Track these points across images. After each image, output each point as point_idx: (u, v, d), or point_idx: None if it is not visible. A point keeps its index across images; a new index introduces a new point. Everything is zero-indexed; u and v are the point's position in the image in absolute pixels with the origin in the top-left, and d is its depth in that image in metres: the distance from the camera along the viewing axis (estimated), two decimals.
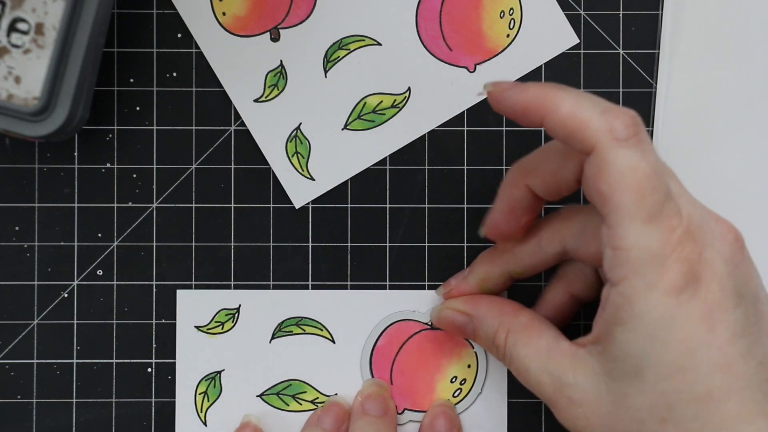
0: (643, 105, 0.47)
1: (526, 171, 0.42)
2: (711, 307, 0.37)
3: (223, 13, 0.47)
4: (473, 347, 0.47)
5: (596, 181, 0.38)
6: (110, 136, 0.47)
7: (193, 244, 0.47)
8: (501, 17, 0.47)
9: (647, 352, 0.37)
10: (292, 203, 0.47)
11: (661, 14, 0.47)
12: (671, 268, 0.37)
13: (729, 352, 0.37)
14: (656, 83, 0.47)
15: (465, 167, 0.47)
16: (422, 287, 0.47)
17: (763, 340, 0.38)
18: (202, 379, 0.47)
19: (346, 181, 0.47)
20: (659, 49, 0.47)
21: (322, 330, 0.47)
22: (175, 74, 0.47)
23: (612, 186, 0.37)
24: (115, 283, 0.47)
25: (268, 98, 0.47)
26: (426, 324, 0.47)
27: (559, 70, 0.47)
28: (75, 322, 0.47)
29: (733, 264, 0.38)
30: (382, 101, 0.47)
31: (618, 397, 0.38)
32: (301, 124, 0.47)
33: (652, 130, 0.47)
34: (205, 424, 0.47)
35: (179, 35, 0.47)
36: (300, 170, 0.47)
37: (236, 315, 0.47)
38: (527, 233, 0.44)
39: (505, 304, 0.44)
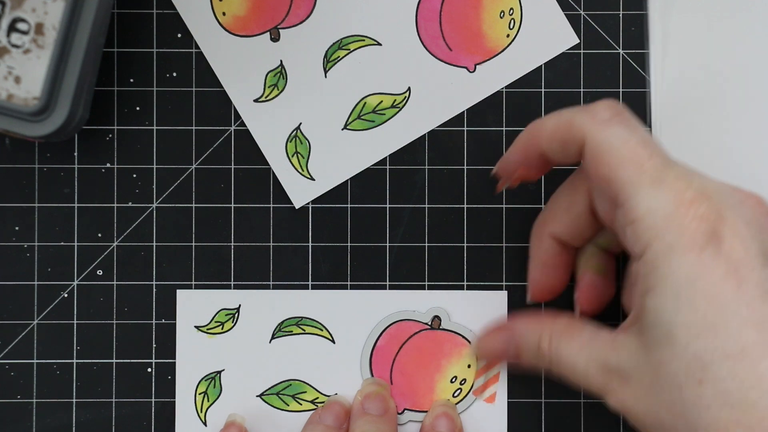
0: (644, 105, 0.47)
1: (544, 221, 0.44)
2: (736, 264, 0.36)
3: (223, 13, 0.47)
4: None
5: (597, 168, 0.39)
6: (110, 136, 0.47)
7: (193, 244, 0.47)
8: (501, 17, 0.47)
9: (675, 312, 0.36)
10: (292, 203, 0.47)
11: (647, 14, 0.47)
12: (689, 226, 0.37)
13: (760, 309, 0.36)
14: (649, 84, 0.47)
15: (465, 167, 0.47)
16: (422, 287, 0.47)
17: None
18: (202, 379, 0.47)
19: (346, 181, 0.47)
20: (649, 48, 0.47)
21: (322, 330, 0.47)
22: (175, 74, 0.47)
23: (610, 165, 0.38)
24: (115, 283, 0.47)
25: (268, 98, 0.47)
26: (426, 324, 0.47)
27: (559, 70, 0.47)
28: (75, 322, 0.47)
29: (757, 226, 0.38)
30: (382, 101, 0.47)
31: (656, 367, 0.37)
32: (301, 124, 0.47)
33: (650, 130, 0.47)
34: (205, 424, 0.47)
35: (179, 35, 0.47)
36: (300, 170, 0.47)
37: (236, 315, 0.47)
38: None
39: (541, 314, 0.44)
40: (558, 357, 0.42)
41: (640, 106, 0.47)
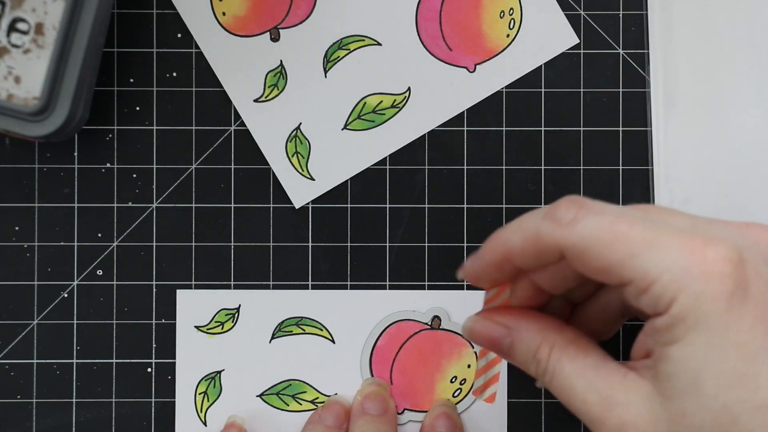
0: (643, 105, 0.47)
1: (509, 245, 0.40)
2: (764, 309, 0.35)
3: (223, 13, 0.47)
4: (473, 347, 0.47)
5: (585, 265, 0.37)
6: (110, 136, 0.47)
7: (193, 244, 0.47)
8: (501, 17, 0.47)
9: (705, 363, 0.35)
10: (292, 203, 0.47)
11: (647, 14, 0.47)
12: (714, 273, 0.35)
13: None
14: (648, 84, 0.47)
15: (465, 167, 0.47)
16: (422, 287, 0.47)
17: None
18: (202, 379, 0.47)
19: (346, 181, 0.47)
20: (648, 48, 0.47)
21: (322, 330, 0.47)
22: (175, 74, 0.47)
23: (598, 258, 0.36)
24: (115, 283, 0.47)
25: (268, 98, 0.47)
26: (426, 324, 0.47)
27: (559, 70, 0.47)
28: (75, 322, 0.47)
29: None
30: (382, 101, 0.47)
31: (676, 416, 0.36)
32: (301, 124, 0.47)
33: (650, 130, 0.47)
34: (205, 424, 0.47)
35: (179, 35, 0.47)
36: (300, 170, 0.47)
37: (236, 315, 0.47)
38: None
39: (548, 319, 0.41)
40: (555, 371, 0.39)
41: (640, 106, 0.47)
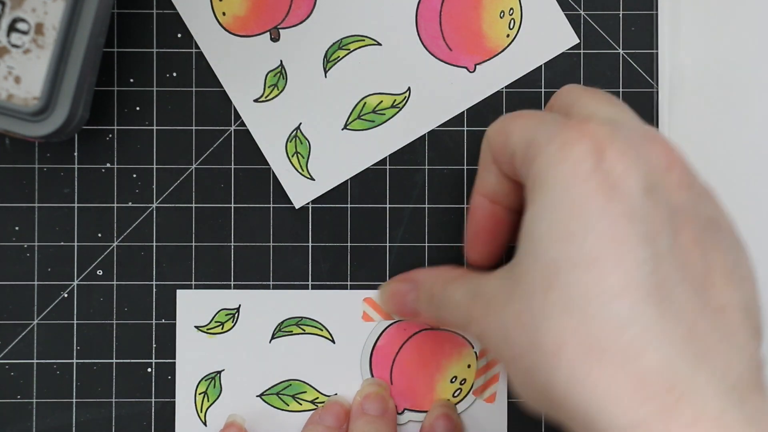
0: (643, 105, 0.47)
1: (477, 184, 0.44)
2: (612, 182, 0.36)
3: (223, 13, 0.47)
4: (473, 347, 0.47)
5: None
6: (110, 136, 0.47)
7: (193, 244, 0.47)
8: (501, 17, 0.47)
9: (543, 213, 0.36)
10: (292, 203, 0.47)
11: (656, 14, 0.47)
12: (571, 137, 0.36)
13: (622, 229, 0.35)
14: (657, 84, 0.47)
15: (465, 167, 0.48)
16: None
17: (668, 242, 0.36)
18: (202, 379, 0.47)
19: (346, 181, 0.47)
20: (657, 49, 0.47)
21: (322, 330, 0.47)
22: (175, 74, 0.47)
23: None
24: (115, 283, 0.47)
25: (268, 98, 0.47)
26: (426, 324, 0.47)
27: (559, 70, 0.47)
28: (75, 322, 0.47)
29: (647, 161, 0.37)
30: (382, 101, 0.47)
31: (517, 279, 0.37)
32: (301, 124, 0.47)
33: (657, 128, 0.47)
34: (205, 424, 0.47)
35: (179, 35, 0.47)
36: (300, 170, 0.47)
37: (236, 315, 0.47)
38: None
39: (449, 268, 0.44)
40: (441, 297, 0.41)
41: (640, 106, 0.47)
